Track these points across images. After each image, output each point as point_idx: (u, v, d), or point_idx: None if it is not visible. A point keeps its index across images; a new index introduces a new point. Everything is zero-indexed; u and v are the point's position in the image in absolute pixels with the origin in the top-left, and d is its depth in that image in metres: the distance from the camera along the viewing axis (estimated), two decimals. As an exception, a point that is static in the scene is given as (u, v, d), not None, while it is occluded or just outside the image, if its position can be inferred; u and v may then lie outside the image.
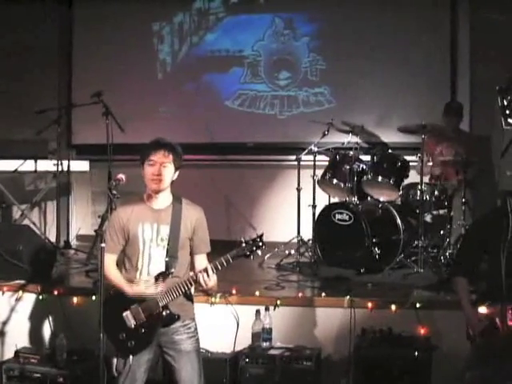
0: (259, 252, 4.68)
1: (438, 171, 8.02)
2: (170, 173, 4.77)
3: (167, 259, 4.77)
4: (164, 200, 4.84)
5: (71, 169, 8.92)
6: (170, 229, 4.78)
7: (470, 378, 4.63)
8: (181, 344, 4.80)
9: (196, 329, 4.92)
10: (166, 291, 4.71)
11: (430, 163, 7.93)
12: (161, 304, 4.69)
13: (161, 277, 4.75)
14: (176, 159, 4.79)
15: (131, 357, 4.73)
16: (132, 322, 4.71)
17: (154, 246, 4.79)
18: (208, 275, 4.64)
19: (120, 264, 4.92)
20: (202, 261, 4.88)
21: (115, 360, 4.85)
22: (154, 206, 4.83)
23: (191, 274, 4.80)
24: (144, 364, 4.82)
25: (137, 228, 4.79)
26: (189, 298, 4.92)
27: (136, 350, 4.74)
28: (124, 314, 4.72)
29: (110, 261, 4.79)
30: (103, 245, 4.50)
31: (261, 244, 4.66)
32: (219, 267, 4.66)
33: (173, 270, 4.75)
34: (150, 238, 4.79)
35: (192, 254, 4.92)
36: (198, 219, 4.89)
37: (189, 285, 4.71)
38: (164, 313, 4.70)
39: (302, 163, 8.16)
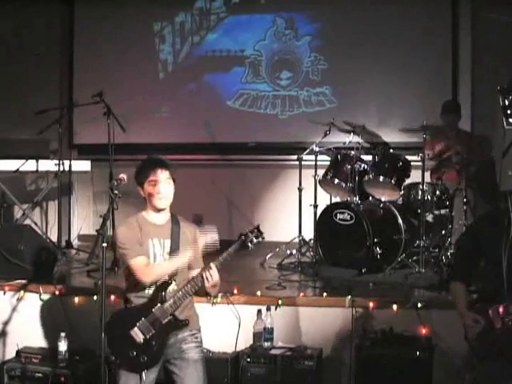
0: (259, 242, 4.80)
1: (439, 170, 8.04)
2: (171, 188, 4.86)
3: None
4: (164, 216, 4.93)
5: (73, 169, 8.91)
6: (170, 242, 4.86)
7: (471, 379, 4.63)
8: (188, 352, 4.83)
9: (201, 339, 4.97)
10: (172, 300, 4.74)
11: (433, 162, 7.94)
12: (170, 311, 4.74)
13: (162, 288, 4.78)
14: (171, 173, 4.87)
15: (144, 373, 4.74)
16: (141, 338, 4.72)
17: (161, 261, 4.86)
18: (214, 271, 4.74)
19: (130, 280, 4.91)
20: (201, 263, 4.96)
21: (119, 375, 4.83)
22: (157, 222, 4.91)
23: (194, 274, 4.83)
24: (151, 382, 4.83)
25: (147, 244, 4.85)
26: (194, 310, 4.99)
27: (150, 364, 4.76)
28: (131, 332, 4.73)
29: (145, 261, 4.78)
30: (105, 244, 4.51)
31: (259, 234, 4.78)
32: (223, 262, 4.77)
33: (172, 280, 4.80)
34: (159, 253, 4.86)
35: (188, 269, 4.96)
36: (195, 233, 4.96)
37: (195, 286, 4.74)
38: (173, 320, 4.75)
39: (303, 163, 8.16)
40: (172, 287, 4.79)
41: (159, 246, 4.86)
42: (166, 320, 4.73)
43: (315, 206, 7.97)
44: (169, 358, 4.84)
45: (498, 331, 4.57)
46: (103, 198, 9.47)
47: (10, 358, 6.31)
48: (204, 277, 4.73)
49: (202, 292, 4.90)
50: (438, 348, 5.78)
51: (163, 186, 4.79)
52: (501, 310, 4.57)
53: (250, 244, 4.78)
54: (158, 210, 4.88)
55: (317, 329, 6.18)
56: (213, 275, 4.73)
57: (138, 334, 4.72)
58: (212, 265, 4.75)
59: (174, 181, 4.88)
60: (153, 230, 4.87)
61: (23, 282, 6.73)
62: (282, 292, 6.58)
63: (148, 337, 4.72)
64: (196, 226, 5.03)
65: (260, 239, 4.82)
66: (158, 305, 4.74)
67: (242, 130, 9.89)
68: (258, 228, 4.83)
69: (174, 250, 4.84)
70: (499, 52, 8.62)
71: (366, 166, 7.84)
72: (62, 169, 8.48)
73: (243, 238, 4.78)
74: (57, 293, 6.60)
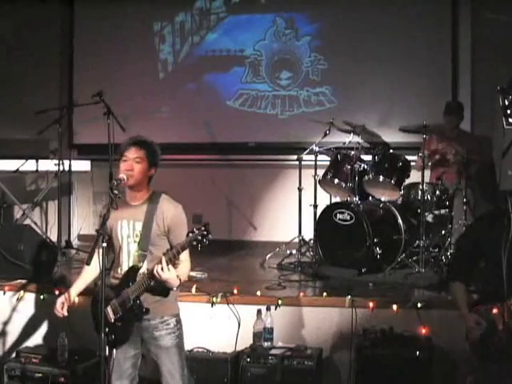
0: (205, 241, 4.46)
1: (438, 170, 8.03)
2: (142, 168, 4.80)
3: (136, 253, 4.80)
4: (141, 197, 4.87)
5: (72, 169, 8.93)
6: (142, 224, 4.79)
7: (472, 381, 4.63)
8: (160, 340, 4.82)
9: (176, 325, 4.88)
10: (135, 285, 4.71)
11: (430, 163, 7.94)
12: (131, 297, 4.71)
13: (131, 271, 4.77)
14: (149, 155, 4.83)
15: (114, 350, 4.85)
16: (111, 317, 4.78)
17: (131, 243, 4.83)
18: (162, 268, 4.55)
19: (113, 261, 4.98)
20: (183, 257, 4.75)
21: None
22: (132, 203, 4.88)
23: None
24: (130, 359, 4.89)
25: (116, 225, 4.85)
26: (167, 294, 4.86)
27: (116, 343, 4.82)
28: (106, 310, 4.76)
29: (87, 266, 4.89)
30: (104, 244, 4.52)
31: (205, 233, 4.46)
32: (172, 259, 4.58)
33: (141, 264, 4.75)
34: (127, 234, 4.84)
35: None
36: (174, 216, 4.82)
37: (149, 279, 4.65)
38: (134, 305, 4.71)
39: (303, 163, 8.16)
40: (142, 271, 4.74)
41: (127, 228, 4.82)
42: (129, 305, 4.72)
43: (315, 206, 7.98)
44: (146, 342, 4.88)
45: (500, 332, 4.57)
46: (103, 197, 9.48)
47: (9, 357, 6.32)
48: (154, 271, 4.58)
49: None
50: (438, 348, 5.78)
51: (130, 163, 4.77)
52: (502, 310, 4.57)
53: (195, 243, 4.47)
54: (129, 188, 4.84)
55: (317, 329, 6.19)
56: (159, 272, 4.54)
57: (109, 313, 4.77)
58: (163, 260, 4.57)
59: (152, 165, 4.83)
60: (125, 211, 4.83)
61: (23, 281, 6.75)
62: (282, 292, 6.58)
63: (116, 317, 4.77)
64: (178, 205, 4.89)
65: (205, 240, 4.48)
66: (126, 288, 4.74)
67: (242, 129, 9.89)
68: (206, 226, 4.50)
69: (145, 233, 4.77)
70: (499, 52, 8.62)
71: (365, 166, 7.83)
72: (61, 169, 8.48)
73: (190, 235, 4.48)
74: (57, 293, 6.58)
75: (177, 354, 4.87)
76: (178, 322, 4.93)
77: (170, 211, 4.83)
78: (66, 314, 4.91)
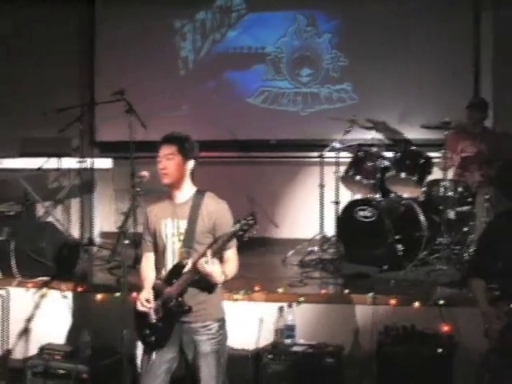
0: (253, 231, 4.39)
1: (461, 168, 8.00)
2: (176, 164, 4.75)
3: (181, 251, 4.71)
4: (184, 194, 4.81)
5: (94, 166, 8.96)
6: (187, 222, 4.72)
7: (490, 376, 4.62)
8: (200, 345, 4.71)
9: (219, 330, 4.76)
10: (179, 281, 4.64)
11: (453, 159, 7.91)
12: (174, 294, 4.64)
13: (176, 268, 4.69)
14: (181, 149, 4.78)
15: (154, 353, 4.73)
16: (153, 317, 4.70)
17: (176, 242, 4.74)
18: (207, 261, 4.46)
19: (156, 264, 4.90)
20: (230, 255, 4.74)
21: (140, 357, 4.85)
22: (175, 201, 4.81)
23: (226, 256, 4.71)
24: (166, 363, 4.77)
25: (160, 225, 4.79)
26: (213, 297, 4.77)
27: (157, 345, 4.73)
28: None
29: (144, 260, 4.89)
30: (127, 241, 4.52)
31: (252, 222, 4.37)
32: (218, 252, 4.52)
33: (186, 262, 4.65)
34: (171, 233, 4.75)
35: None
36: (219, 214, 4.73)
37: (195, 275, 4.58)
38: (176, 303, 4.64)
39: (324, 160, 8.16)
40: (187, 269, 4.64)
41: (171, 227, 4.75)
42: (172, 304, 4.64)
43: (337, 203, 7.97)
44: (183, 345, 4.77)
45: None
46: (125, 195, 9.48)
47: (32, 354, 6.36)
48: (198, 265, 4.50)
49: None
50: (460, 345, 5.76)
51: (163, 162, 4.74)
52: None
53: (241, 233, 4.37)
54: (169, 187, 4.80)
55: (338, 326, 6.18)
56: (204, 265, 4.46)
57: (151, 314, 4.70)
58: (208, 252, 4.49)
59: (187, 158, 4.79)
60: (168, 210, 4.79)
61: (46, 279, 6.78)
62: (304, 289, 6.59)
63: (158, 318, 4.69)
64: (223, 202, 4.82)
65: (253, 231, 4.38)
66: (169, 286, 4.67)
67: (263, 127, 9.87)
68: (252, 214, 4.39)
69: (190, 231, 4.69)
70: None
71: (387, 163, 7.80)
72: (83, 166, 8.52)
73: (237, 225, 4.38)
74: (79, 290, 6.64)
75: (215, 361, 4.73)
76: (221, 327, 4.80)
77: (213, 207, 4.76)
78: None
